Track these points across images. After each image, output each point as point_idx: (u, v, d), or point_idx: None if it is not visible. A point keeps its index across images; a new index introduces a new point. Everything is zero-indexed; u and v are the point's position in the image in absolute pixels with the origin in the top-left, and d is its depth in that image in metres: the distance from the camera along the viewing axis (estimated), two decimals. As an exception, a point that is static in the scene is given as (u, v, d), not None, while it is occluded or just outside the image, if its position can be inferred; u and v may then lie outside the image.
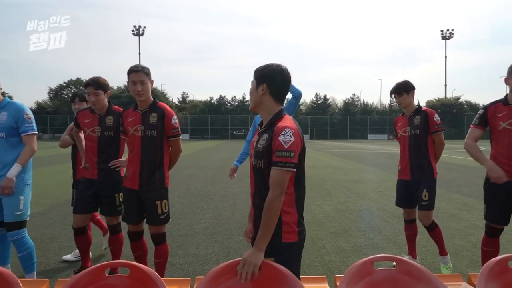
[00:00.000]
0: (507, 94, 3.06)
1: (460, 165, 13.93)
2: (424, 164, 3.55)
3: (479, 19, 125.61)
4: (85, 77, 57.27)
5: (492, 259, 1.67)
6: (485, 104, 3.27)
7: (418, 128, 3.56)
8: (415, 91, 3.74)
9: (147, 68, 2.92)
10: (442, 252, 3.74)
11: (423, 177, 3.55)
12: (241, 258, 1.74)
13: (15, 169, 2.88)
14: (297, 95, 3.76)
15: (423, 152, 3.56)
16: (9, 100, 3.03)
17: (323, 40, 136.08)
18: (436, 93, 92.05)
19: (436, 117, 3.57)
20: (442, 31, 57.94)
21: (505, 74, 3.02)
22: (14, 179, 2.87)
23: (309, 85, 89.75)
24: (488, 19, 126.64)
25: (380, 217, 5.90)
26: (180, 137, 3.09)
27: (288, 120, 1.87)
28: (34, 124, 3.06)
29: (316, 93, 60.51)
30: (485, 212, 3.16)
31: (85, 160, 3.35)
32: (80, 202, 3.31)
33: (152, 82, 2.98)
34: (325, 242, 4.62)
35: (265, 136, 1.86)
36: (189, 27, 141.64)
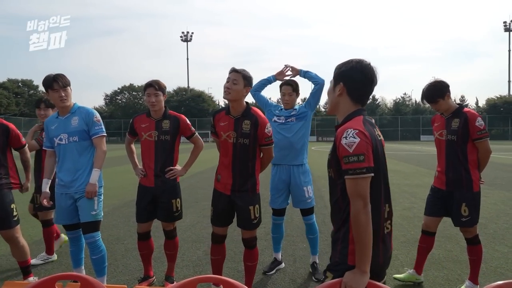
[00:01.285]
0: None
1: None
2: (462, 175, 3.09)
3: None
4: (137, 83, 60.37)
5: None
6: None
7: (456, 134, 3.10)
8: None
9: (246, 71, 2.95)
10: (472, 277, 3.21)
11: (460, 189, 3.11)
12: (340, 279, 1.54)
13: (96, 174, 2.99)
14: (319, 83, 3.60)
15: (461, 161, 3.10)
16: (79, 105, 3.12)
17: (371, 39, 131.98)
18: (498, 91, 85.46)
19: (479, 121, 3.07)
20: (505, 22, 53.55)
21: None
22: (97, 183, 2.97)
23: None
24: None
25: (451, 226, 5.37)
26: (273, 145, 3.08)
27: (353, 121, 1.64)
28: (103, 127, 3.13)
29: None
30: None
31: (143, 167, 3.33)
32: (141, 212, 3.33)
33: (247, 90, 2.96)
34: (397, 252, 4.27)
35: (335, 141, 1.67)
36: (235, 32, 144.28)
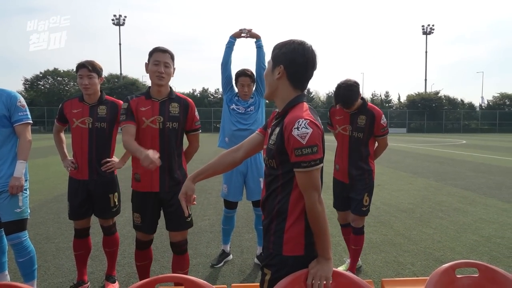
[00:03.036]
0: None
1: (449, 159, 14.12)
2: (364, 168, 3.24)
3: (459, 16, 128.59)
4: (62, 67, 55.46)
5: (438, 268, 1.53)
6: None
7: (362, 131, 3.17)
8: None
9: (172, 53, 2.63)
10: (353, 264, 3.39)
11: (362, 180, 3.24)
12: (303, 271, 1.52)
13: (21, 167, 2.62)
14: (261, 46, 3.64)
15: (363, 155, 3.24)
16: None
17: (310, 29, 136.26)
18: (417, 88, 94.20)
19: (383, 119, 3.20)
20: (423, 26, 58.89)
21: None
22: (23, 177, 2.62)
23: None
24: (466, 17, 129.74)
25: (386, 212, 5.80)
26: (200, 131, 2.88)
27: (298, 109, 1.54)
28: (28, 113, 2.74)
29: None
30: None
31: (74, 158, 2.97)
32: (75, 208, 2.98)
33: (174, 70, 2.67)
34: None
35: (277, 130, 1.56)
36: (172, 19, 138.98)
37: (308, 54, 1.58)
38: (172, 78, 2.64)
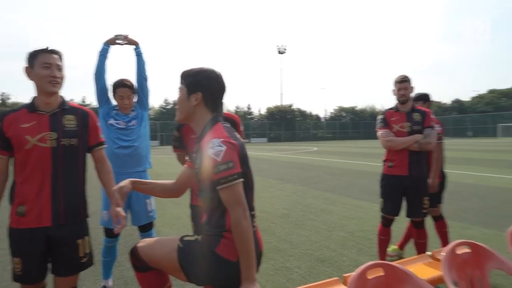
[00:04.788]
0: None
1: (308, 164, 15.86)
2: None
3: (306, 38, 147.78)
4: None
5: (353, 273, 1.66)
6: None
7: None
8: None
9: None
10: None
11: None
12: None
13: None
14: (146, 78, 3.35)
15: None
16: None
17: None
18: (275, 101, 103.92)
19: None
20: (278, 45, 65.55)
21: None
22: None
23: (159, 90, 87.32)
24: (313, 39, 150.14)
25: (266, 219, 6.05)
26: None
27: (214, 130, 1.65)
28: None
29: (165, 99, 59.28)
30: (382, 206, 3.56)
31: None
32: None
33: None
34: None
35: (198, 154, 1.69)
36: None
37: (220, 80, 1.74)
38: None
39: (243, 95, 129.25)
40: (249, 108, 63.12)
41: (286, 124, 57.90)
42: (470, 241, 2.06)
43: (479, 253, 2.02)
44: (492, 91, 61.58)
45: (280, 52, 65.31)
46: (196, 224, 2.69)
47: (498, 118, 50.54)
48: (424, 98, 3.97)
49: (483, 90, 73.57)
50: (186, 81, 1.70)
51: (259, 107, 69.48)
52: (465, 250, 2.01)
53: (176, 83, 1.80)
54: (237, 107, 61.61)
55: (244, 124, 3.64)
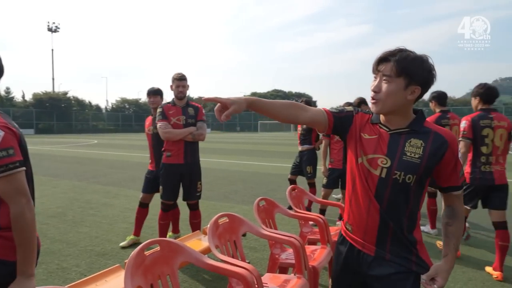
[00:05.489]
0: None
1: (87, 158, 14.63)
2: None
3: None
4: None
5: (133, 252, 1.81)
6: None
7: None
8: None
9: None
10: None
11: None
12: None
13: None
14: None
15: None
16: None
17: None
18: (44, 87, 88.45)
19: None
20: (48, 22, 56.22)
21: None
22: None
23: None
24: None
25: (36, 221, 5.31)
26: None
27: None
28: None
29: None
30: (162, 192, 3.88)
31: None
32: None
33: None
34: None
35: None
36: None
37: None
38: None
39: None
40: (8, 92, 51.68)
41: (59, 114, 50.76)
42: (228, 213, 2.60)
43: (235, 220, 2.58)
44: (253, 94, 74.34)
45: (51, 30, 56.43)
46: None
47: (258, 116, 61.51)
48: None
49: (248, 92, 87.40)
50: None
51: (23, 92, 57.40)
52: (225, 220, 2.53)
53: None
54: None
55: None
